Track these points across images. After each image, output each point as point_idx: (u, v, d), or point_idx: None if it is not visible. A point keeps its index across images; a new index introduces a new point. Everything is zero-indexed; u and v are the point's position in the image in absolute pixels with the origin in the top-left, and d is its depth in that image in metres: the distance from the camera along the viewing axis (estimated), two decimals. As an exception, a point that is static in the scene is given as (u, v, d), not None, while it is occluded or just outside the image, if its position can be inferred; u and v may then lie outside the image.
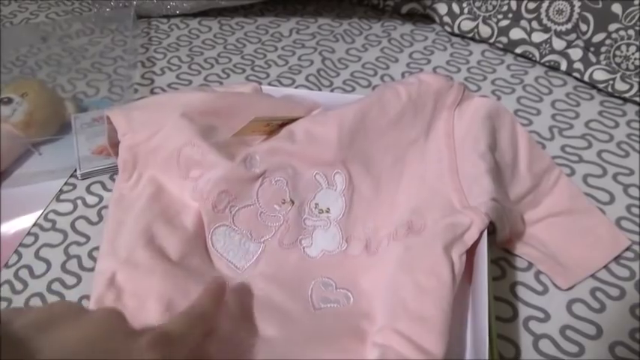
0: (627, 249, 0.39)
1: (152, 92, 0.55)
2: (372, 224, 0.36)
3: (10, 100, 0.47)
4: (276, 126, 0.38)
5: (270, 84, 0.54)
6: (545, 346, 0.34)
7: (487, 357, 0.28)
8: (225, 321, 0.30)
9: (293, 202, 0.36)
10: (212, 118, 0.38)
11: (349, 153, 0.37)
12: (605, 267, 0.38)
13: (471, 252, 0.34)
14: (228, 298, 0.31)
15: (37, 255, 0.38)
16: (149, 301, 0.29)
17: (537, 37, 0.54)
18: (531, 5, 0.53)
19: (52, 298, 0.35)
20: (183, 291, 0.30)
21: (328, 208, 0.36)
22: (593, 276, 0.38)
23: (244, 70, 0.57)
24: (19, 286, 0.36)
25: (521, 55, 0.56)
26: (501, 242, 0.39)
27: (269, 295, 0.32)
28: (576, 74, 0.52)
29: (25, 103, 0.47)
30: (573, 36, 0.52)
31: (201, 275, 0.32)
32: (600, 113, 0.50)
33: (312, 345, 0.30)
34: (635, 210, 0.41)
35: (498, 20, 0.56)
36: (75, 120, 0.48)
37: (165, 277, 0.30)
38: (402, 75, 0.56)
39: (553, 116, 0.50)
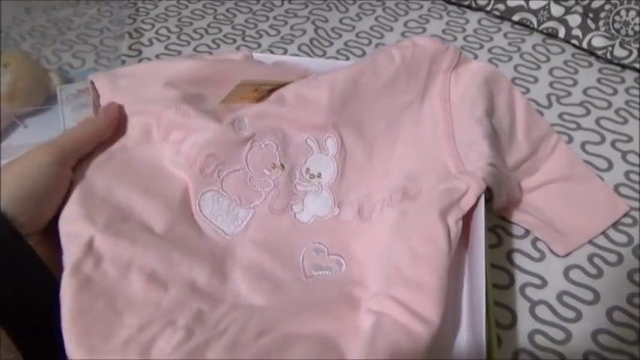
0: (625, 215, 0.38)
1: (140, 63, 0.53)
2: (365, 190, 0.35)
3: (-8, 71, 0.45)
4: (265, 92, 0.37)
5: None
6: (542, 312, 0.34)
7: (483, 323, 0.27)
8: (216, 289, 0.29)
9: (283, 167, 0.35)
10: (200, 87, 0.37)
11: (341, 116, 0.36)
12: (603, 233, 0.38)
13: (468, 218, 0.33)
14: (215, 263, 0.30)
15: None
16: (131, 271, 0.28)
17: (535, 3, 0.53)
18: (529, -30, 0.52)
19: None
20: (167, 261, 0.29)
21: (320, 173, 0.35)
22: (590, 242, 0.37)
23: (235, 41, 0.56)
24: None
25: (519, 23, 0.55)
26: (498, 209, 0.38)
27: (259, 262, 0.31)
28: (574, 41, 0.51)
29: (8, 74, 0.45)
30: (572, 2, 0.51)
31: (187, 244, 0.31)
32: (599, 80, 0.49)
33: (303, 313, 0.29)
34: (633, 176, 0.41)
35: (495, -13, 0.54)
36: (60, 91, 0.47)
37: (148, 247, 0.29)
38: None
39: (551, 84, 0.49)
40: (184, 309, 0.27)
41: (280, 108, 0.35)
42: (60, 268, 0.27)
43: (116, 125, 0.33)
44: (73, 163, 0.31)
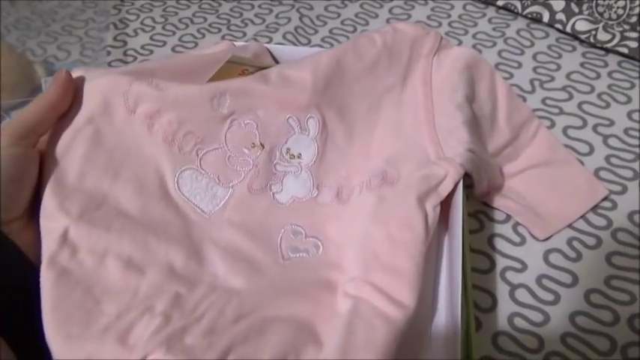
0: (605, 199, 0.39)
1: (125, 54, 0.53)
2: (344, 172, 0.36)
3: (-25, 64, 0.45)
4: (251, 74, 0.37)
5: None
6: (522, 295, 0.35)
7: (459, 306, 0.28)
8: (193, 271, 0.29)
9: (263, 146, 0.35)
10: (182, 78, 0.37)
11: (324, 98, 0.36)
12: (583, 217, 0.38)
13: (447, 203, 0.34)
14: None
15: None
16: (108, 259, 0.28)
17: (520, -12, 0.53)
18: (513, -45, 0.52)
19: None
20: (143, 246, 0.29)
21: (300, 154, 0.35)
22: (570, 226, 0.38)
23: (220, 30, 0.56)
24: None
25: (503, 8, 0.55)
26: (480, 195, 0.39)
27: (237, 244, 0.32)
28: (558, 25, 0.51)
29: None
30: (556, -14, 0.51)
31: (163, 226, 0.31)
32: (582, 65, 0.49)
33: (281, 297, 0.29)
34: (614, 160, 0.41)
35: (480, -28, 0.54)
36: (45, 83, 0.47)
37: (123, 233, 0.29)
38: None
39: (534, 69, 0.49)
40: (162, 294, 0.27)
41: (263, 86, 0.34)
42: None
43: (71, 94, 0.32)
44: (34, 140, 0.30)
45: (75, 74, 0.33)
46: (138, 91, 0.32)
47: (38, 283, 0.27)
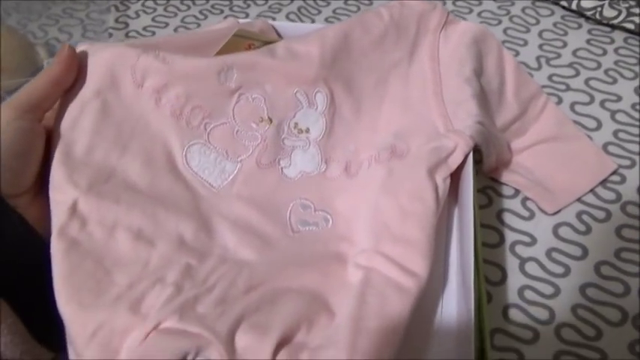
0: (614, 173, 0.39)
1: (127, 36, 0.53)
2: (352, 147, 0.35)
3: (-24, 45, 0.45)
4: (257, 49, 0.36)
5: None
6: (532, 268, 0.35)
7: (472, 279, 0.28)
8: (203, 243, 0.29)
9: (271, 121, 0.34)
10: (188, 52, 0.36)
11: (331, 72, 0.35)
12: (591, 191, 0.38)
13: (457, 176, 0.34)
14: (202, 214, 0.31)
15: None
16: (117, 231, 0.28)
17: (524, -34, 0.52)
18: None
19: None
20: (152, 219, 0.29)
21: (308, 128, 0.35)
22: (579, 200, 0.38)
23: (222, 11, 0.55)
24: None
25: (508, -14, 0.55)
26: (488, 170, 0.39)
27: (246, 217, 0.31)
28: (564, 2, 0.51)
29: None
30: (561, -37, 0.50)
31: (172, 199, 0.30)
32: (588, 41, 0.49)
33: (291, 269, 0.29)
34: (622, 135, 0.41)
35: (484, -50, 0.54)
36: (48, 65, 0.47)
37: (132, 206, 0.29)
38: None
39: (540, 46, 0.49)
40: (172, 265, 0.27)
41: (270, 60, 0.34)
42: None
43: (75, 69, 0.32)
44: (40, 115, 0.30)
45: (79, 49, 0.33)
46: (145, 64, 0.32)
47: (47, 255, 0.27)
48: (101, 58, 0.32)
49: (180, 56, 0.33)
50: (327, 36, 0.35)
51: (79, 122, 0.31)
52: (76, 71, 0.32)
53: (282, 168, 0.34)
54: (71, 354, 0.25)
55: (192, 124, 0.33)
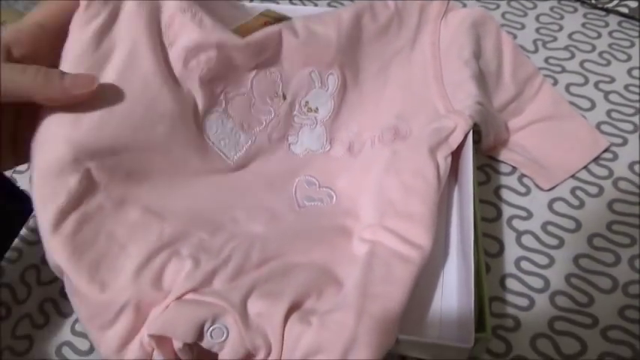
0: (606, 150, 0.40)
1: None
2: (355, 128, 0.37)
3: (-12, 29, 0.46)
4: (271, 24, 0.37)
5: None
6: (528, 240, 0.36)
7: (472, 251, 0.30)
8: (214, 216, 0.30)
9: (285, 97, 0.36)
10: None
11: (345, 56, 0.37)
12: (585, 167, 0.40)
13: (457, 154, 0.35)
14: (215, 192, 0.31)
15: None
16: (126, 205, 0.27)
17: (522, -49, 0.53)
18: None
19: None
20: (162, 195, 0.29)
21: (317, 108, 0.37)
22: (573, 176, 0.39)
23: (226, -4, 0.56)
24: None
25: (506, -29, 0.56)
26: (486, 149, 0.40)
27: (255, 190, 0.33)
28: (561, -13, 0.52)
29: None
30: (558, -53, 0.51)
31: (188, 165, 0.31)
32: (583, 25, 0.50)
33: (300, 242, 0.30)
34: (614, 115, 0.43)
35: None
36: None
37: (143, 181, 0.28)
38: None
39: (537, 30, 0.50)
40: (185, 239, 0.28)
41: (294, 39, 0.35)
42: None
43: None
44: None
45: None
46: (182, 22, 0.30)
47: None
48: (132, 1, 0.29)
49: (214, 22, 0.31)
50: (343, 19, 0.36)
51: (101, 74, 0.27)
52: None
53: (289, 144, 0.36)
54: (93, 326, 0.25)
55: (214, 92, 0.33)
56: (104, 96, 0.27)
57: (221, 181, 0.33)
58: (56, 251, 0.25)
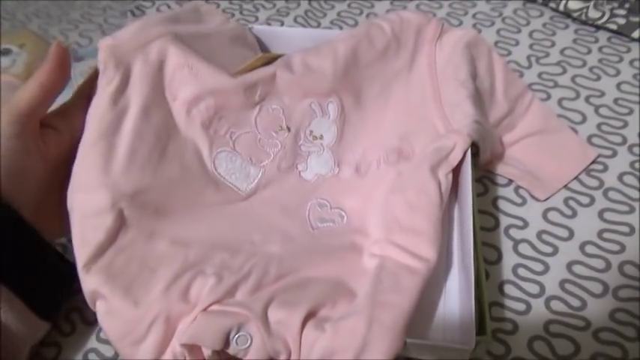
0: (596, 161, 0.43)
1: (145, 40, 0.56)
2: (361, 150, 0.39)
3: (8, 51, 0.48)
4: (271, 59, 0.40)
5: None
6: (524, 248, 0.39)
7: (472, 259, 0.32)
8: (233, 242, 0.33)
9: (289, 129, 0.38)
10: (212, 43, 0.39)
11: (342, 84, 0.39)
12: (577, 179, 0.42)
13: (457, 170, 0.38)
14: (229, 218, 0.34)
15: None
16: (155, 238, 0.31)
17: (515, -31, 0.56)
18: (509, -62, 0.55)
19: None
20: (186, 226, 0.32)
21: (322, 135, 0.39)
22: (566, 187, 0.42)
23: (233, 15, 0.58)
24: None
25: (500, -11, 0.58)
26: (484, 164, 0.42)
27: (270, 216, 0.35)
28: (552, 4, 0.55)
29: (24, 54, 0.48)
30: (549, -33, 0.54)
31: (204, 200, 0.34)
32: (574, 41, 0.52)
33: (313, 258, 0.33)
34: (604, 128, 0.45)
35: (478, -46, 0.57)
36: (73, 69, 0.50)
37: (169, 213, 0.32)
38: (387, 12, 0.57)
39: (530, 46, 0.53)
40: (209, 260, 0.31)
41: (290, 75, 0.38)
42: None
43: (67, 69, 0.32)
44: (31, 124, 0.30)
45: (129, 31, 0.35)
46: (180, 78, 0.35)
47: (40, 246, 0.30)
48: (143, 65, 0.34)
49: (211, 70, 0.35)
50: (339, 51, 0.39)
51: (119, 128, 0.32)
52: (68, 72, 0.31)
53: (299, 172, 0.38)
54: (125, 344, 0.28)
55: (219, 133, 0.36)
56: (126, 146, 0.32)
57: (236, 210, 0.35)
58: (93, 279, 0.29)
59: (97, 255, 0.29)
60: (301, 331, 0.28)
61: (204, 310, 0.28)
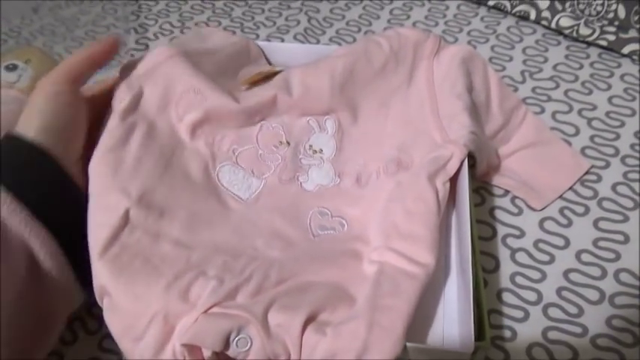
0: (590, 172, 0.44)
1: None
2: (361, 161, 0.40)
3: (14, 67, 0.49)
4: (272, 74, 0.41)
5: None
6: (521, 257, 0.39)
7: (470, 268, 0.32)
8: (235, 246, 0.33)
9: (289, 144, 0.39)
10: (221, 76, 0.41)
11: (340, 101, 0.40)
12: (572, 189, 0.43)
13: (455, 180, 0.38)
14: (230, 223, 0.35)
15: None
16: (160, 239, 0.32)
17: (508, -11, 0.58)
18: (501, -41, 0.57)
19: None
20: (190, 230, 0.33)
21: (321, 149, 0.40)
22: (561, 197, 0.42)
23: (234, 33, 0.60)
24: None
25: (494, 7, 0.60)
26: (480, 175, 0.43)
27: (272, 223, 0.36)
28: (544, 22, 0.56)
29: (30, 69, 0.49)
30: (541, -14, 0.56)
31: (207, 210, 0.35)
32: (566, 57, 0.54)
33: (313, 263, 0.33)
34: (597, 140, 0.46)
35: (471, -25, 0.59)
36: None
37: (173, 218, 0.33)
38: (384, 30, 0.59)
39: (524, 61, 0.54)
40: (211, 262, 0.31)
41: (288, 98, 0.40)
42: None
43: (113, 52, 0.35)
44: (76, 88, 0.33)
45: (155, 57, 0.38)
46: (187, 101, 0.37)
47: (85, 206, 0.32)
48: (153, 87, 0.37)
49: (216, 94, 0.38)
50: (337, 70, 0.40)
51: (127, 142, 0.34)
52: (112, 54, 0.35)
53: (300, 183, 0.39)
54: (127, 340, 0.29)
55: (222, 150, 0.38)
56: (133, 157, 0.34)
57: (239, 216, 0.36)
58: (100, 272, 0.29)
59: (106, 247, 0.30)
60: (301, 335, 0.28)
61: (205, 311, 0.28)
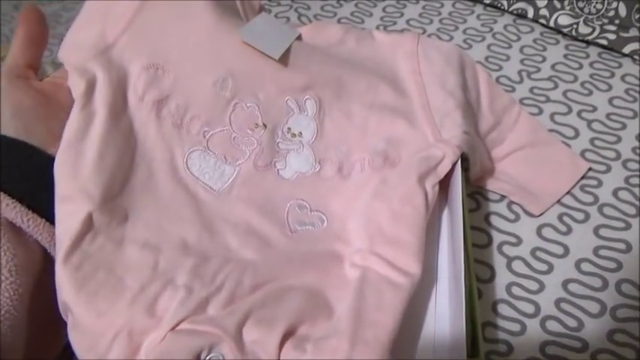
0: (590, 177, 0.42)
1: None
2: (344, 148, 0.38)
3: (-12, 64, 0.47)
4: None
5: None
6: (518, 266, 0.37)
7: (463, 277, 0.30)
8: (207, 245, 0.31)
9: (265, 126, 0.37)
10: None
11: (319, 79, 0.38)
12: (571, 194, 0.41)
13: (447, 183, 0.36)
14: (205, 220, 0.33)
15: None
16: (124, 244, 0.29)
17: (505, -14, 0.56)
18: (498, -45, 0.55)
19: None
20: (157, 230, 0.31)
21: (300, 132, 0.37)
22: (559, 203, 0.40)
23: (221, 30, 0.58)
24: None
25: (490, 5, 0.58)
26: (474, 180, 0.41)
27: (246, 219, 0.33)
28: (542, 20, 0.55)
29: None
30: (539, -17, 0.54)
31: (175, 206, 0.32)
32: (565, 56, 0.52)
33: (292, 266, 0.31)
34: (597, 142, 0.44)
35: (467, -29, 0.57)
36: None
37: (137, 219, 0.31)
38: (377, 28, 0.57)
39: (522, 61, 0.52)
40: (180, 267, 0.29)
41: (264, 67, 0.36)
42: None
43: (41, 22, 0.34)
44: (30, 74, 0.33)
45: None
46: (146, 80, 0.34)
47: None
48: (106, 71, 0.33)
49: (179, 66, 0.35)
50: (314, 46, 0.38)
51: (87, 133, 0.31)
52: (44, 25, 0.35)
53: (278, 170, 0.36)
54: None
55: (191, 133, 0.35)
56: (93, 152, 0.31)
57: (210, 211, 0.33)
58: (62, 286, 0.27)
59: (67, 256, 0.28)
60: (279, 352, 0.26)
61: (174, 328, 0.26)
